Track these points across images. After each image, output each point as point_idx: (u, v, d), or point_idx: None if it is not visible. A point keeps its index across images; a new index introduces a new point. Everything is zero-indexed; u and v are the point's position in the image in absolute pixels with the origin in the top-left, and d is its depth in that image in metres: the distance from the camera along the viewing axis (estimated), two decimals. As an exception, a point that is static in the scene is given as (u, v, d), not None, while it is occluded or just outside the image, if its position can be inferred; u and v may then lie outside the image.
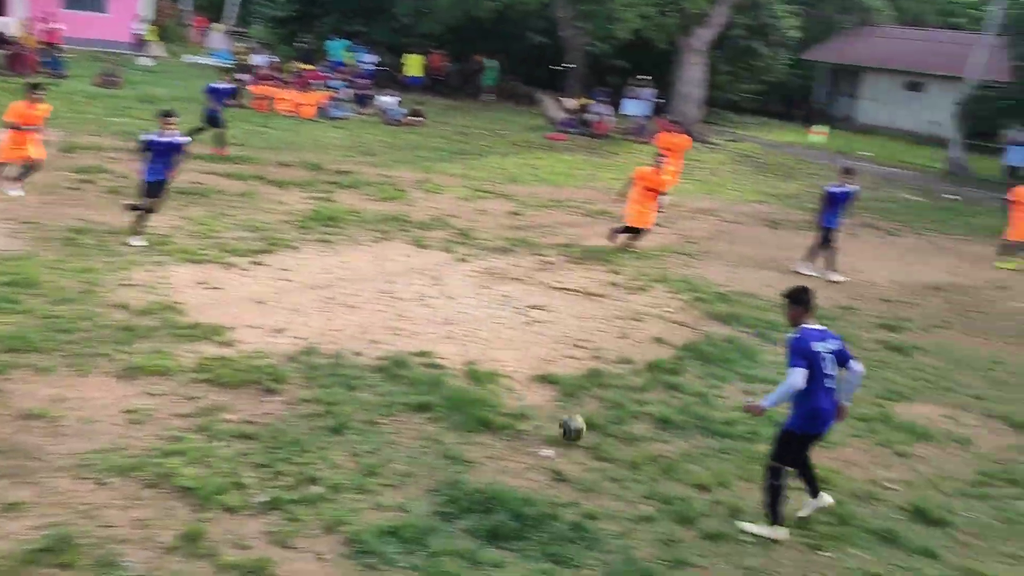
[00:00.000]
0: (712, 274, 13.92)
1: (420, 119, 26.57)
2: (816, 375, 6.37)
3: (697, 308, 12.01)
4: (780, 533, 6.52)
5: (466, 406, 7.87)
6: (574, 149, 27.07)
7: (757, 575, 5.99)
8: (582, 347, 9.99)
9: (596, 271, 13.32)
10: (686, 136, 20.30)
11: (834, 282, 14.05)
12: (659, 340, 10.55)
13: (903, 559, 6.45)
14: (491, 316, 10.65)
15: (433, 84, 34.26)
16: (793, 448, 6.61)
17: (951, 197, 25.63)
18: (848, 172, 14.73)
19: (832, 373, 6.50)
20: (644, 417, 8.32)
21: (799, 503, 6.83)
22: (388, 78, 32.90)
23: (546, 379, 8.88)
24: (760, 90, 43.95)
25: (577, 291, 12.17)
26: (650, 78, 33.45)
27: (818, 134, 34.99)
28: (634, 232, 14.61)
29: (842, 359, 6.61)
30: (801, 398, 6.43)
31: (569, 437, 7.55)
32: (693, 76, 31.32)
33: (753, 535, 6.49)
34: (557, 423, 7.69)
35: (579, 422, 7.60)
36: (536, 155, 24.81)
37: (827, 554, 6.36)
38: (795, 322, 6.73)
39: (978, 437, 8.83)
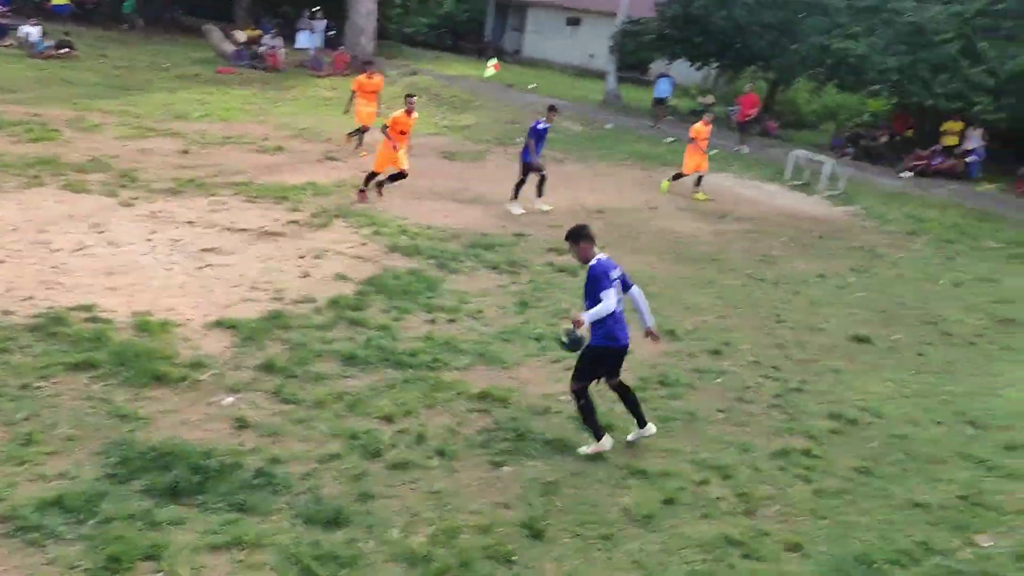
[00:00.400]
0: (393, 207, 14.02)
1: (70, 51, 24.10)
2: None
3: (378, 242, 12.06)
4: (607, 443, 7.22)
5: (136, 360, 7.39)
6: (247, 83, 25.90)
7: (444, 498, 6.21)
8: (261, 289, 9.70)
9: (274, 209, 12.94)
10: (380, 76, 19.95)
11: (512, 213, 14.72)
12: (342, 276, 10.50)
13: (574, 465, 6.96)
14: (161, 263, 10.03)
15: (84, 13, 31.11)
16: (596, 366, 7.21)
17: (608, 126, 27.59)
18: (552, 109, 15.53)
19: (620, 297, 7.11)
20: (329, 355, 8.27)
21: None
22: (30, 6, 29.42)
23: (223, 325, 8.54)
24: (432, 24, 44.46)
25: (255, 231, 11.75)
26: (319, 9, 32.74)
27: (493, 68, 36.13)
28: (398, 177, 14.40)
29: (625, 285, 7.29)
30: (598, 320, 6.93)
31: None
32: (365, 8, 30.96)
33: (587, 454, 7.14)
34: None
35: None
36: (206, 90, 23.46)
37: (508, 468, 6.73)
38: (587, 256, 7.13)
39: (636, 346, 9.65)
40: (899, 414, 8.78)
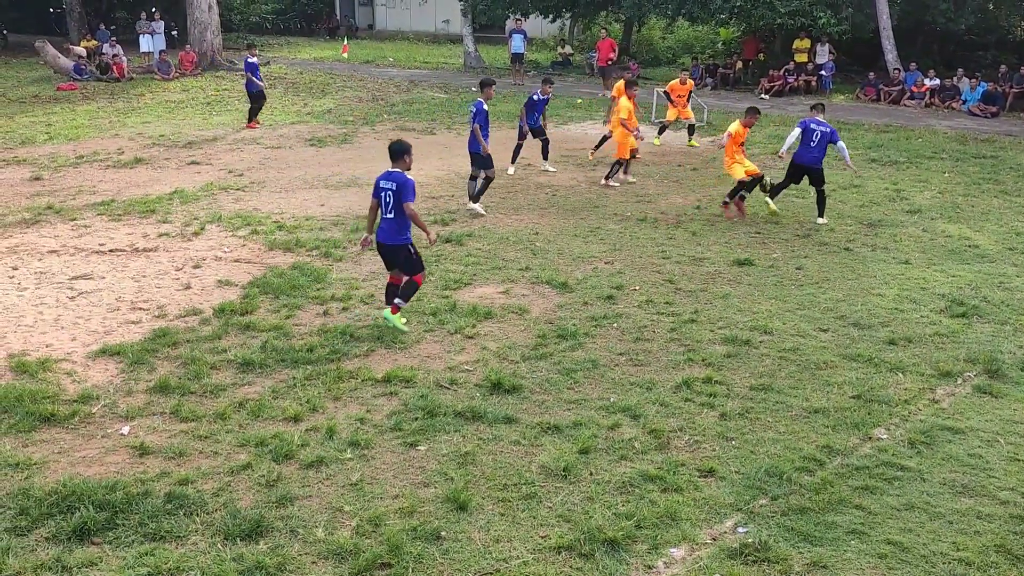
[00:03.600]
0: (265, 204, 13.71)
1: None
2: (806, 139, 12.93)
3: (256, 242, 11.79)
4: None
5: (19, 405, 7.06)
6: (92, 97, 24.85)
7: (363, 487, 6.16)
8: (142, 309, 9.38)
9: (143, 224, 12.49)
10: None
11: (547, 171, 16.42)
12: (225, 283, 10.24)
13: (488, 431, 7.00)
14: (29, 299, 9.58)
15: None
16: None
17: (473, 90, 27.50)
18: (548, 82, 16.39)
19: (812, 141, 12.89)
20: (224, 365, 8.06)
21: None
22: None
23: (107, 352, 8.22)
24: (278, 9, 43.34)
25: (125, 250, 11.33)
26: (156, 10, 31.67)
27: (346, 49, 35.56)
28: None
29: (832, 139, 12.81)
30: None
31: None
32: (203, 3, 29.96)
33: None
34: None
35: None
36: (49, 110, 22.43)
37: (422, 448, 6.72)
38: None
39: (531, 304, 9.78)
40: (787, 328, 9.13)
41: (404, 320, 8.96)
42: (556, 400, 7.57)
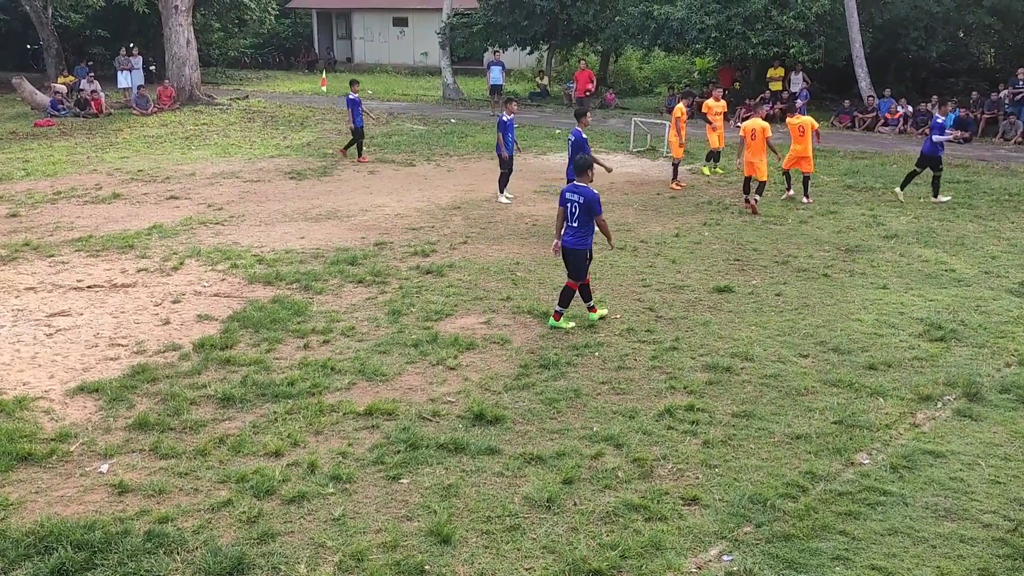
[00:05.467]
0: (245, 238, 13.67)
1: None
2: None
3: (236, 275, 11.74)
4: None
5: (-5, 444, 6.96)
6: (70, 133, 24.80)
7: (346, 522, 6.11)
8: (120, 345, 9.30)
9: (121, 260, 12.42)
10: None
11: (503, 202, 16.27)
12: (204, 317, 10.18)
13: (471, 463, 6.96)
14: (6, 336, 9.48)
15: None
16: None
17: (452, 121, 27.66)
18: (510, 101, 16.78)
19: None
20: (203, 401, 8.00)
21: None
22: None
23: (86, 390, 8.14)
24: (257, 43, 43.53)
25: (103, 286, 11.25)
26: (134, 46, 31.73)
27: (324, 83, 35.67)
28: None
29: (935, 131, 15.95)
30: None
31: None
32: (183, 38, 30.03)
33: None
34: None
35: None
36: (25, 147, 22.36)
37: (404, 481, 6.68)
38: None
39: (513, 334, 9.77)
40: (768, 354, 9.17)
41: (572, 324, 9.97)
42: (539, 430, 7.55)
